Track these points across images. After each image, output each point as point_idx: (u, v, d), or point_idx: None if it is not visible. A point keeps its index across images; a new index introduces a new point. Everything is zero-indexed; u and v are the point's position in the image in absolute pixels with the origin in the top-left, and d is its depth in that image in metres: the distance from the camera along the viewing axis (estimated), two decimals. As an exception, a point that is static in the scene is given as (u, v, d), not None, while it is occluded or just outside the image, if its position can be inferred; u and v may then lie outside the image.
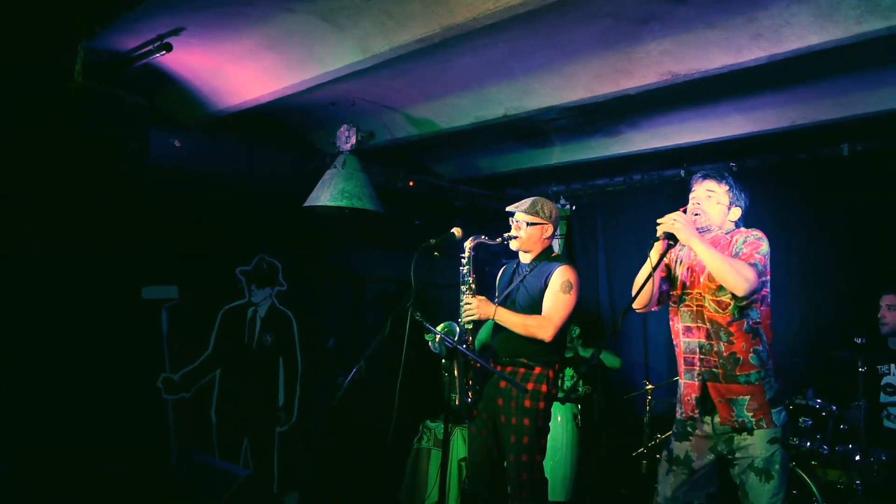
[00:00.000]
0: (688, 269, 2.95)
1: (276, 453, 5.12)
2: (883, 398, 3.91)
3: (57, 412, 3.95)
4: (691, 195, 2.97)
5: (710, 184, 2.93)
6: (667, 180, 5.34)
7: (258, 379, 5.08)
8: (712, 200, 2.91)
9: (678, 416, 2.97)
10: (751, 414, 2.73)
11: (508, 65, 3.72)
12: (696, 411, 2.85)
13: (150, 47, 3.54)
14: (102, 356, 4.16)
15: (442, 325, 3.39)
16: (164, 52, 3.50)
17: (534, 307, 3.47)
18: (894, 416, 3.90)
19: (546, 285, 3.47)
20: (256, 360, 5.08)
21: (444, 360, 3.39)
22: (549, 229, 3.61)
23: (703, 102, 4.18)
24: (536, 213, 3.56)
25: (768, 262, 2.78)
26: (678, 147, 4.78)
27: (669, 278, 3.03)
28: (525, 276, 3.57)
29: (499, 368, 3.44)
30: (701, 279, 2.85)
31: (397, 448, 5.18)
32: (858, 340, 4.06)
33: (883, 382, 3.89)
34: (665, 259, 3.03)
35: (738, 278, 2.64)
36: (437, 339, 3.34)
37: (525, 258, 3.64)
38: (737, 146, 4.70)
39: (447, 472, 3.02)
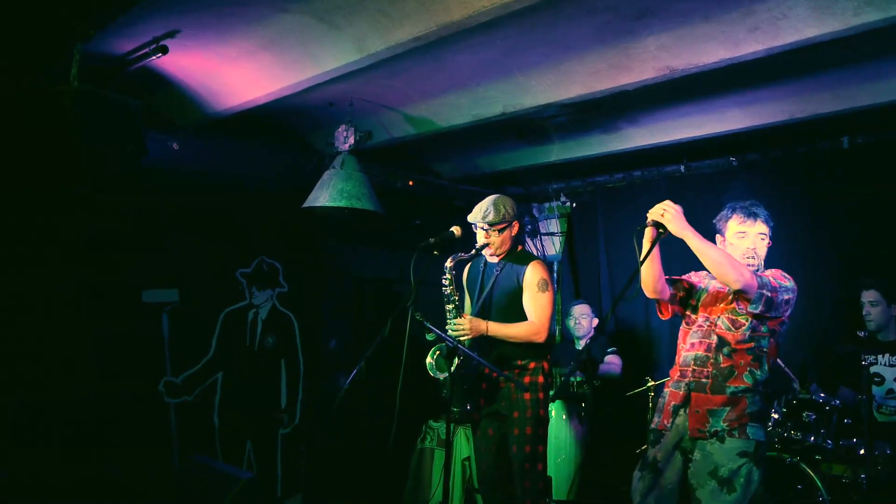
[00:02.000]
0: (712, 295, 2.95)
1: (279, 455, 5.11)
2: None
3: (57, 416, 3.94)
4: (739, 233, 2.91)
5: (762, 227, 2.92)
6: (667, 176, 5.33)
7: (260, 381, 5.07)
8: (764, 243, 2.94)
9: (653, 425, 2.95)
10: (726, 424, 2.72)
11: (505, 62, 3.71)
12: (670, 419, 2.86)
13: (146, 50, 3.52)
14: (103, 359, 4.15)
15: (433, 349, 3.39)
16: (159, 54, 3.49)
17: (511, 307, 3.48)
18: (885, 409, 3.90)
19: (520, 284, 3.47)
20: (258, 363, 5.07)
21: (441, 378, 3.38)
22: (517, 225, 3.59)
23: (702, 97, 4.17)
24: (502, 219, 3.50)
25: (784, 298, 2.78)
26: (677, 142, 4.77)
27: (687, 300, 3.03)
28: (496, 277, 3.55)
29: (494, 376, 3.45)
30: (721, 304, 2.88)
31: (400, 448, 5.18)
32: (861, 334, 4.05)
33: (871, 371, 3.88)
34: (695, 279, 3.05)
35: (734, 272, 2.67)
36: (435, 357, 3.36)
37: (493, 258, 3.61)
38: (736, 141, 4.68)
39: (451, 472, 3.01)
